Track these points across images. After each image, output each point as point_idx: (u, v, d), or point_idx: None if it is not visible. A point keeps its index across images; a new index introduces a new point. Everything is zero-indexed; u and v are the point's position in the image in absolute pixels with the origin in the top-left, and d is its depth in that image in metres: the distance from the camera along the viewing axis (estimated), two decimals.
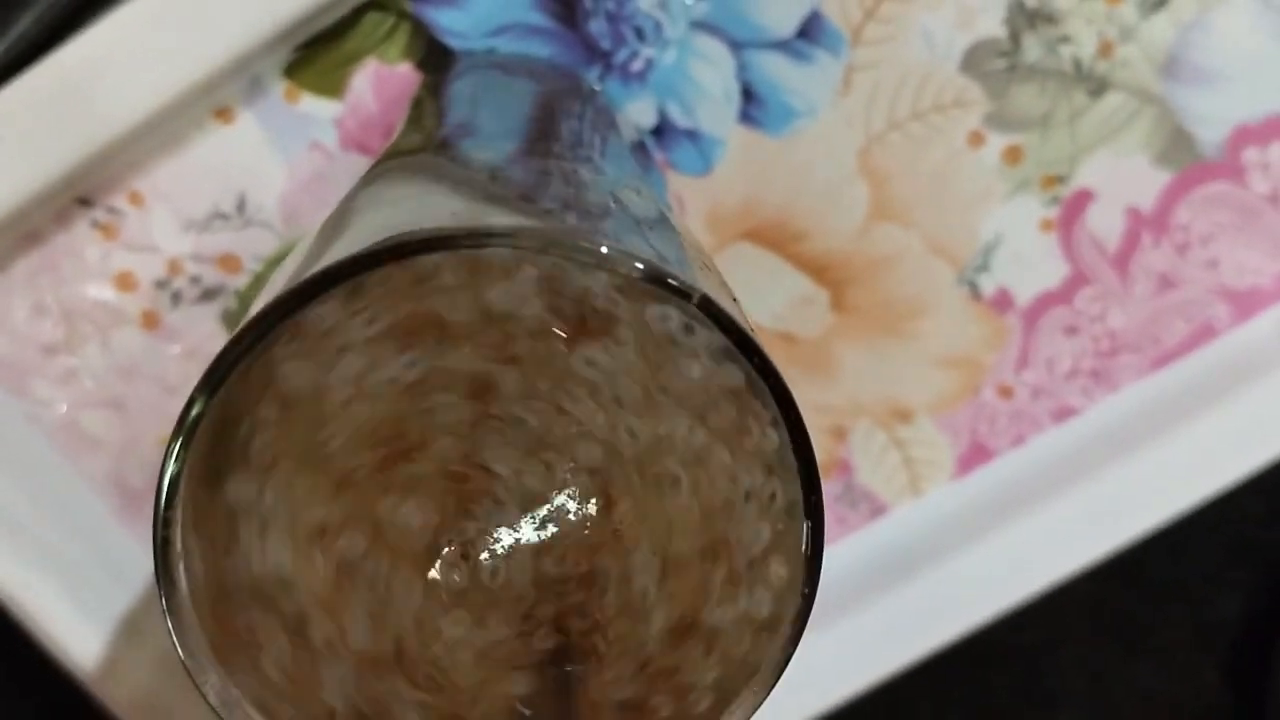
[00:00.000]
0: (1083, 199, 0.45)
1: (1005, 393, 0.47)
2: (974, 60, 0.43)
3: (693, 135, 0.44)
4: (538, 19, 0.42)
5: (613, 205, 0.30)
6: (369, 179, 0.32)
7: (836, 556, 0.47)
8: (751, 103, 0.43)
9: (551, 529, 0.27)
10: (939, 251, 0.45)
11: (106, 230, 0.43)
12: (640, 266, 0.25)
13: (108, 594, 0.45)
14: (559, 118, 0.38)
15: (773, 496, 0.27)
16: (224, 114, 0.42)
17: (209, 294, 0.44)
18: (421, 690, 0.27)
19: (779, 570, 0.28)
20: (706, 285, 0.26)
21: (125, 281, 0.44)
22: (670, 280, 0.25)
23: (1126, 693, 0.53)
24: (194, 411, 0.25)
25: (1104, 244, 0.46)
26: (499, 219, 0.26)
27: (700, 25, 0.42)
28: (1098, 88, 0.44)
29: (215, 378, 0.25)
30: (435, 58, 0.42)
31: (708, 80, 0.43)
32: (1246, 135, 0.45)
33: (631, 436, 0.26)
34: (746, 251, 0.45)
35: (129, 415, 0.45)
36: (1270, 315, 0.46)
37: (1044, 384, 0.47)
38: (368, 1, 0.42)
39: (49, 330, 0.44)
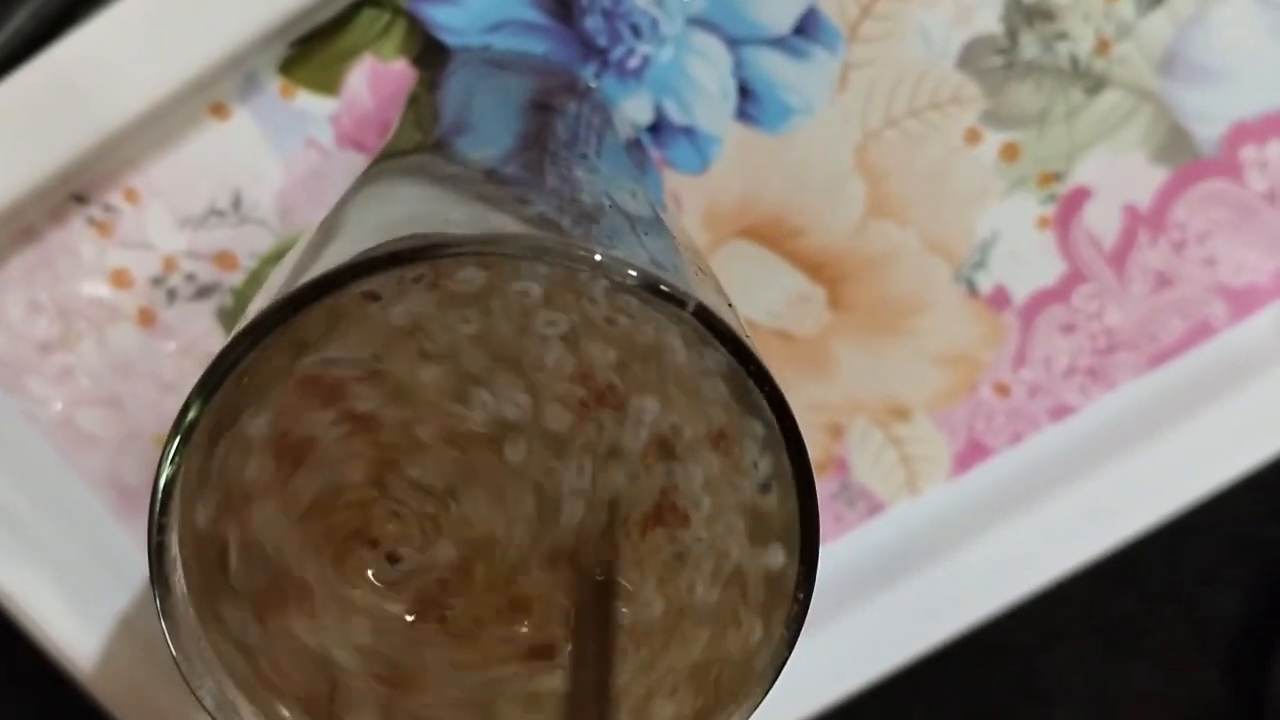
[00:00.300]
0: (1080, 196, 0.45)
1: (1002, 390, 0.47)
2: (971, 57, 0.43)
3: (689, 132, 0.43)
4: (534, 15, 0.42)
5: (608, 206, 0.30)
6: (366, 179, 0.32)
7: (833, 555, 0.47)
8: (748, 100, 0.43)
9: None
10: (936, 249, 0.45)
11: (102, 227, 0.43)
12: (634, 274, 0.25)
13: (104, 592, 0.44)
14: (555, 115, 0.38)
15: (767, 500, 0.27)
16: (219, 110, 0.42)
17: (205, 291, 0.44)
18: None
19: (775, 572, 0.28)
20: (702, 291, 0.26)
21: (121, 278, 0.43)
22: (665, 288, 0.25)
23: (1123, 691, 0.53)
24: (190, 416, 0.25)
25: (1101, 241, 0.45)
26: (495, 225, 0.26)
27: (697, 22, 0.42)
28: (1095, 85, 0.44)
29: (211, 382, 0.25)
30: (431, 54, 0.42)
31: (704, 77, 0.43)
32: (1244, 133, 0.45)
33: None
34: (743, 249, 0.45)
35: (125, 413, 0.45)
36: (1267, 313, 0.46)
37: (1041, 382, 0.47)
38: None
39: (44, 328, 0.44)
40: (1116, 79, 0.44)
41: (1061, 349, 0.46)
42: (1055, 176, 0.45)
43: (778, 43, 0.43)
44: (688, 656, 0.28)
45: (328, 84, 0.43)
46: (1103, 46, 0.44)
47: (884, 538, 0.47)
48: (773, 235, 0.45)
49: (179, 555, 0.25)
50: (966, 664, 0.48)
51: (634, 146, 0.43)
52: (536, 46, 0.42)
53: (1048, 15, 0.43)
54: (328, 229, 0.28)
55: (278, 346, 0.26)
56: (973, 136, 0.44)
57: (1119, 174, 0.45)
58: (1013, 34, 0.43)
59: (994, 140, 0.44)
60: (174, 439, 0.25)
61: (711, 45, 0.43)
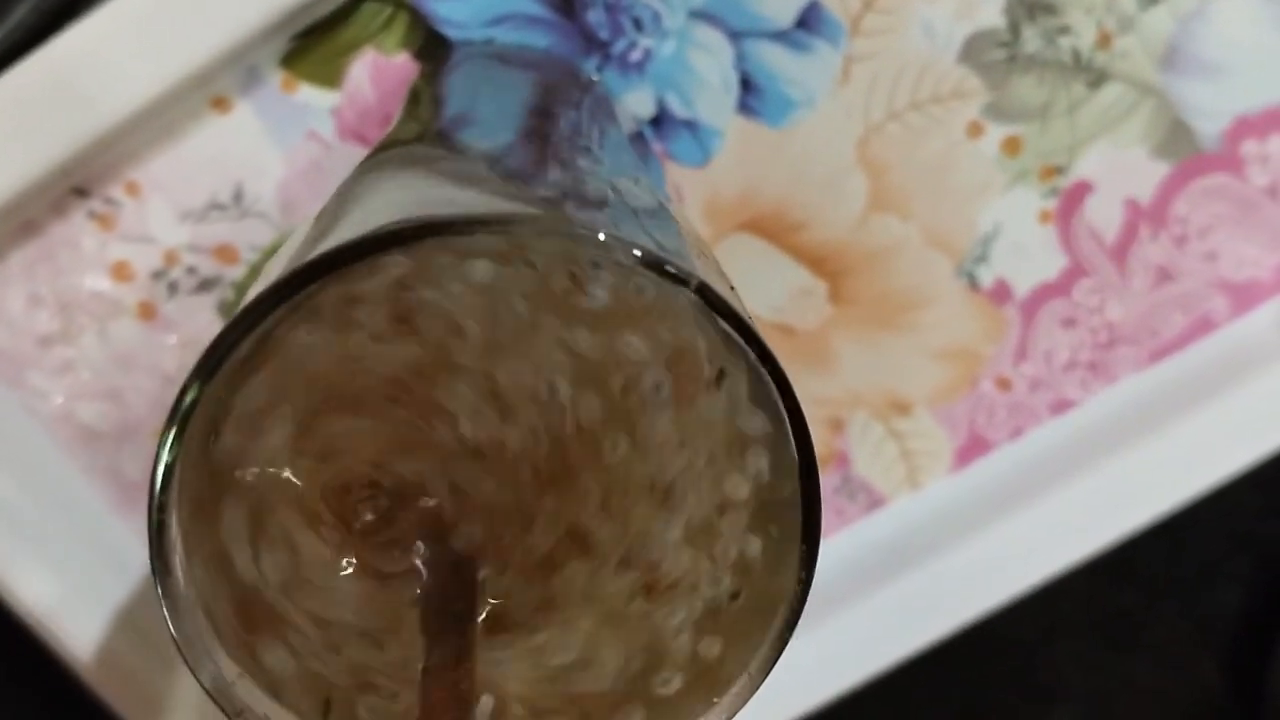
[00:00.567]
0: (1081, 190, 0.45)
1: (1003, 385, 0.47)
2: (973, 51, 0.43)
3: (691, 126, 0.43)
4: (536, 9, 0.42)
5: (611, 195, 0.30)
6: (366, 168, 0.32)
7: (834, 549, 0.47)
8: (750, 93, 0.43)
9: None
10: (937, 243, 0.45)
11: (103, 220, 0.43)
12: (638, 254, 0.25)
13: (104, 585, 0.45)
14: (557, 108, 0.38)
15: (768, 485, 0.27)
16: (221, 104, 0.42)
17: (206, 284, 0.44)
18: None
19: (773, 562, 0.28)
20: (704, 273, 0.26)
21: (122, 272, 0.43)
22: (668, 267, 0.25)
23: (1123, 687, 0.53)
24: (189, 398, 0.25)
25: (1102, 236, 0.45)
26: (497, 207, 0.26)
27: (699, 15, 0.42)
28: (1097, 79, 0.44)
29: (210, 364, 0.25)
30: (433, 48, 0.42)
31: (706, 70, 0.43)
32: (1245, 127, 0.45)
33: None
34: (745, 242, 0.45)
35: (126, 406, 0.45)
36: (1268, 308, 0.46)
37: (1042, 376, 0.47)
38: None
39: (45, 321, 0.44)
40: (1118, 73, 0.44)
41: (1062, 343, 0.46)
42: (1057, 170, 0.45)
43: (780, 36, 0.43)
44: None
45: (329, 77, 0.43)
46: (1104, 40, 0.44)
47: (884, 532, 0.47)
48: (774, 229, 0.45)
49: (179, 533, 0.25)
50: (966, 659, 0.48)
51: (636, 140, 0.43)
52: (538, 40, 0.42)
53: (1050, 9, 0.43)
54: (326, 217, 0.28)
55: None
56: (975, 130, 0.44)
57: (1120, 168, 0.45)
58: (1015, 28, 0.43)
59: (996, 134, 0.44)
60: (173, 421, 0.25)
61: (713, 38, 0.43)
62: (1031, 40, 0.43)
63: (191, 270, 0.44)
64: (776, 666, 0.28)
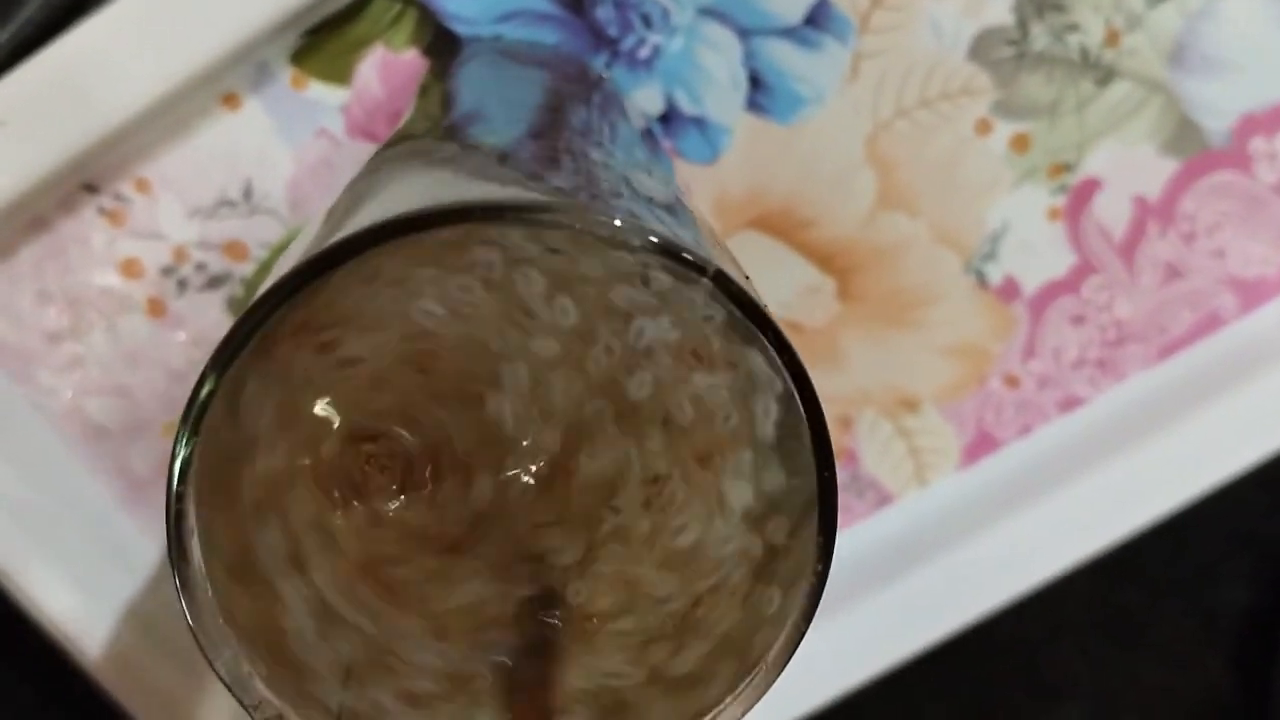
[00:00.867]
0: (1090, 188, 0.45)
1: (1012, 382, 0.47)
2: (982, 48, 0.43)
3: (700, 123, 0.44)
4: (545, 5, 0.42)
5: (625, 188, 0.30)
6: (376, 164, 0.32)
7: (842, 546, 0.46)
8: (759, 90, 0.43)
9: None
10: (946, 240, 0.45)
11: (113, 217, 0.43)
12: (654, 240, 0.25)
13: (112, 581, 0.44)
14: (567, 105, 0.38)
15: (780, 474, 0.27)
16: (231, 101, 0.42)
17: (215, 281, 0.44)
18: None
19: (788, 559, 0.28)
20: (722, 262, 0.26)
21: (131, 268, 0.43)
22: (685, 255, 0.25)
23: (1128, 685, 0.53)
24: (206, 388, 0.25)
25: (1111, 233, 0.46)
26: (510, 195, 0.26)
27: (707, 12, 0.42)
28: (1105, 76, 0.44)
29: (227, 354, 0.25)
30: (442, 44, 0.42)
31: (715, 67, 0.43)
32: (1253, 124, 0.45)
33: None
34: (753, 240, 0.45)
35: (134, 403, 0.45)
36: (1277, 305, 0.46)
37: (1050, 373, 0.47)
38: None
39: (54, 317, 0.44)
40: (1126, 70, 0.44)
41: (1071, 340, 0.46)
42: (1065, 168, 0.45)
43: (789, 33, 0.43)
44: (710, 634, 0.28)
45: (339, 74, 0.43)
46: (1113, 38, 0.44)
47: (892, 529, 0.47)
48: (783, 226, 0.45)
49: (195, 522, 0.25)
50: (971, 658, 0.48)
51: (645, 136, 0.43)
52: (547, 36, 0.42)
53: (1058, 7, 0.43)
54: (338, 213, 0.28)
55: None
56: (983, 127, 0.44)
57: (1129, 165, 0.45)
58: (1023, 25, 0.43)
59: (1004, 131, 0.44)
60: (191, 411, 0.25)
61: (722, 35, 0.43)
62: (1040, 38, 0.43)
63: (201, 267, 0.44)
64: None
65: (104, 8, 0.39)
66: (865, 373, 0.46)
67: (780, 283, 0.45)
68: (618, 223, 0.25)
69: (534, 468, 0.27)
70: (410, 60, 0.43)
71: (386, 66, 0.43)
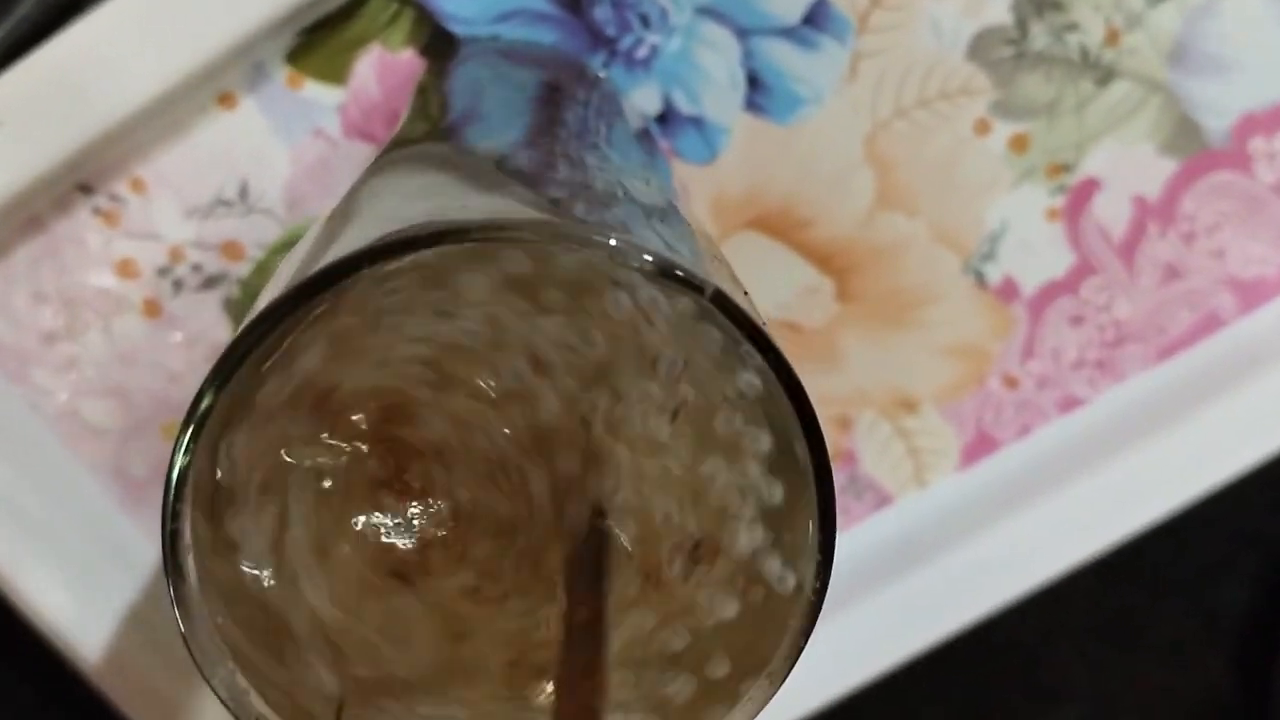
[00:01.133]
0: (1089, 188, 0.45)
1: (1011, 383, 0.47)
2: (981, 48, 0.43)
3: (698, 123, 0.43)
4: (542, 5, 0.42)
5: (620, 194, 0.30)
6: (376, 168, 0.32)
7: (841, 547, 0.46)
8: (757, 90, 0.43)
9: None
10: (945, 240, 0.45)
11: (108, 217, 0.43)
12: (649, 259, 0.25)
13: (110, 583, 0.44)
14: (564, 105, 0.37)
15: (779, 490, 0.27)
16: (227, 100, 0.42)
17: (211, 281, 0.44)
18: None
19: (788, 568, 0.27)
20: (718, 277, 0.26)
21: (127, 269, 0.43)
22: (680, 272, 0.25)
23: (1129, 686, 0.52)
24: (204, 404, 0.25)
25: (1110, 233, 0.45)
26: (508, 211, 0.26)
27: (706, 12, 0.42)
28: (1104, 76, 0.44)
29: (225, 370, 0.25)
30: (439, 44, 0.42)
31: (713, 67, 0.43)
32: (1253, 124, 0.45)
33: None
34: (751, 240, 0.45)
35: (131, 403, 0.44)
36: (1276, 305, 0.46)
37: (1050, 374, 0.47)
38: None
39: (50, 318, 0.43)
40: (1126, 70, 0.44)
41: (1070, 341, 0.46)
42: (1064, 168, 0.45)
43: (787, 33, 0.43)
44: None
45: (335, 74, 0.42)
46: (1112, 37, 0.43)
47: (892, 530, 0.47)
48: (781, 226, 0.44)
49: (191, 540, 0.25)
50: (971, 660, 0.48)
51: (643, 137, 0.43)
52: (545, 36, 0.42)
53: (1057, 6, 0.43)
54: (339, 218, 0.28)
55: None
56: (982, 127, 0.44)
57: (1128, 165, 0.45)
58: (1022, 25, 0.43)
59: (1003, 131, 0.44)
60: (187, 427, 0.25)
61: (720, 35, 0.42)
62: (1039, 37, 0.43)
63: (197, 267, 0.43)
64: None
65: (99, 7, 0.39)
66: (864, 373, 0.46)
67: (779, 283, 0.45)
68: (613, 242, 0.24)
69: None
70: (407, 60, 0.42)
71: (383, 66, 0.42)
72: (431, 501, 0.27)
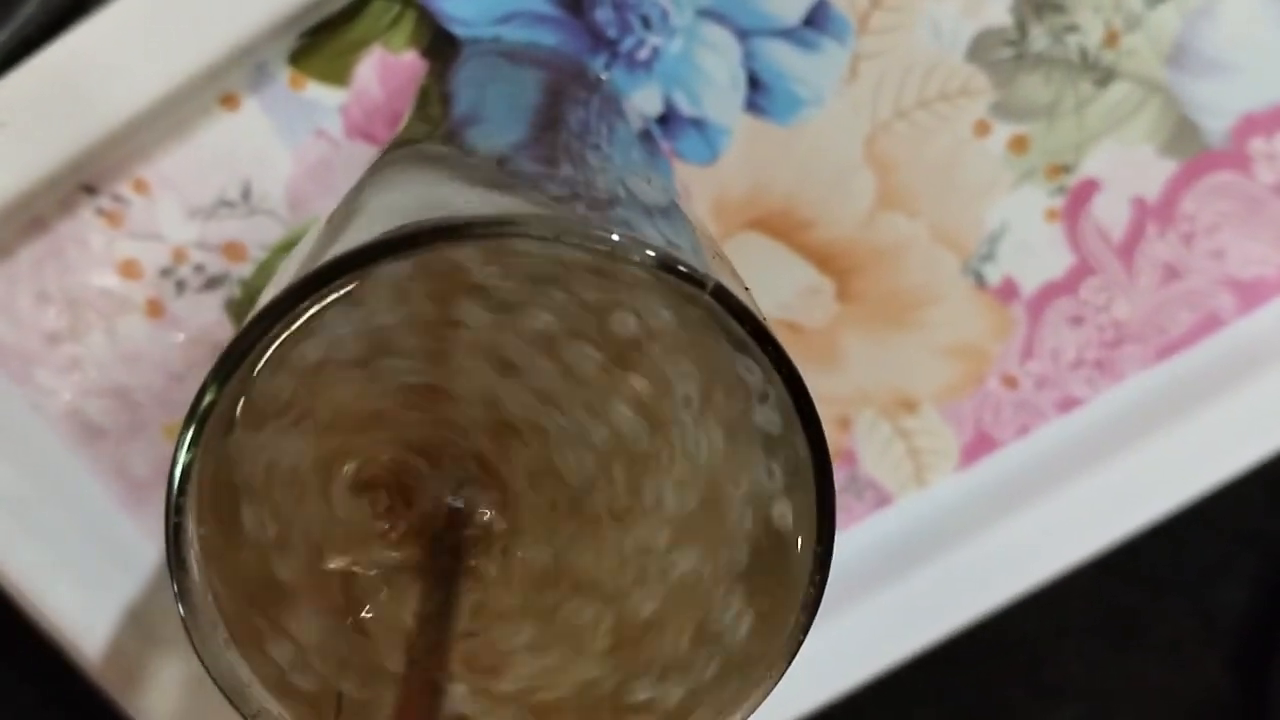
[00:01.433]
0: (1088, 188, 0.45)
1: (1010, 383, 0.47)
2: (980, 49, 0.43)
3: (699, 124, 0.44)
4: (543, 7, 0.42)
5: (622, 193, 0.30)
6: (378, 168, 0.32)
7: (841, 546, 0.47)
8: (758, 91, 0.43)
9: None
10: (944, 241, 0.45)
11: (111, 218, 0.43)
12: (651, 254, 0.25)
13: (112, 582, 0.45)
14: (566, 106, 0.38)
15: (779, 486, 0.27)
16: (229, 101, 0.42)
17: (214, 282, 0.44)
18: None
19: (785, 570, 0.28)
20: (719, 274, 0.26)
21: (130, 269, 0.43)
22: (682, 268, 0.25)
23: (1128, 684, 0.53)
24: (206, 399, 0.25)
25: (1109, 234, 0.46)
26: (510, 207, 0.26)
27: (706, 13, 0.42)
28: (1104, 77, 0.44)
29: (228, 366, 0.25)
30: (441, 46, 0.42)
31: (714, 68, 0.43)
32: (1253, 125, 0.45)
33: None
34: (752, 241, 0.45)
35: (133, 404, 0.45)
36: (1275, 306, 0.46)
37: (1049, 374, 0.47)
38: None
39: (53, 318, 0.44)
40: (1125, 71, 0.44)
41: (1069, 341, 0.46)
42: (1064, 169, 0.45)
43: (787, 34, 0.43)
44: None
45: (337, 75, 0.43)
46: (1112, 38, 0.44)
47: (891, 530, 0.47)
48: (782, 227, 0.45)
49: (195, 533, 0.25)
50: (971, 658, 0.48)
51: (644, 138, 0.43)
52: (546, 38, 0.42)
53: (1057, 7, 0.43)
54: (340, 218, 0.28)
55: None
56: (982, 128, 0.44)
57: (1128, 166, 0.45)
58: (1022, 26, 0.43)
59: (1003, 132, 0.44)
60: (191, 422, 0.25)
61: (721, 36, 0.43)
62: (1039, 38, 0.43)
63: (199, 268, 0.44)
64: None
65: (103, 9, 0.39)
66: (864, 373, 0.46)
67: (779, 284, 0.45)
68: (615, 237, 0.25)
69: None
70: (409, 62, 0.42)
71: (385, 68, 0.43)
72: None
